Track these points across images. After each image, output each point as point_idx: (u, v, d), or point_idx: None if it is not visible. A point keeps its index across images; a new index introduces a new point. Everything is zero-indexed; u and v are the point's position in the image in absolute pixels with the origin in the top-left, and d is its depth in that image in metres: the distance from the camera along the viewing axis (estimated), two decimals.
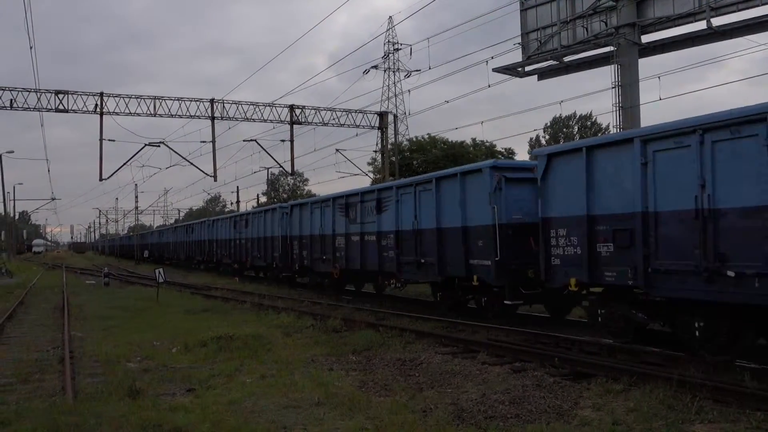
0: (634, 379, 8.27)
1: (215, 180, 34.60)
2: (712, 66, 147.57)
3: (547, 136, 67.67)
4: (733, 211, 8.58)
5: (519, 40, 25.61)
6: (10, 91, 28.69)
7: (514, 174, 13.55)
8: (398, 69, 60.36)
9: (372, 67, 54.41)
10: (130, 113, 30.63)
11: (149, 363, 10.82)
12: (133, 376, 9.37)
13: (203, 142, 33.99)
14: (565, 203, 11.18)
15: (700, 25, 20.93)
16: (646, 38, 22.67)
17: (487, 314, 14.06)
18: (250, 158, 79.38)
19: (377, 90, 68.53)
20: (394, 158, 37.44)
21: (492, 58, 26.07)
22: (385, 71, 60.98)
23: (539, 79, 27.13)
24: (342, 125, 34.74)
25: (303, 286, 25.80)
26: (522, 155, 55.78)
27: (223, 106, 32.36)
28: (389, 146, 36.75)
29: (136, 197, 74.94)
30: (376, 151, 42.20)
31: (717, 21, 20.48)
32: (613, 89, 22.41)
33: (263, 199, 67.95)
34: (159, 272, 23.40)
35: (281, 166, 37.62)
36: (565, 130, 67.64)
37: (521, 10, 25.62)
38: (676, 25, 21.72)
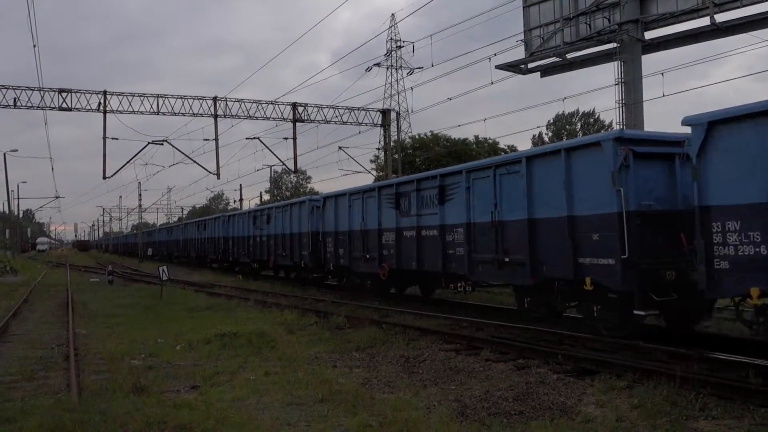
0: (638, 376, 8.26)
1: (218, 178, 34.68)
2: (715, 62, 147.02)
3: (550, 133, 67.57)
4: None
5: (522, 37, 25.57)
6: (14, 89, 28.75)
7: (644, 148, 10.69)
8: (401, 66, 60.46)
9: (374, 64, 54.52)
10: (134, 111, 30.68)
11: (153, 360, 10.85)
12: (138, 374, 9.40)
13: (206, 140, 34.05)
14: (737, 187, 8.65)
15: (704, 21, 20.87)
16: (649, 35, 22.61)
17: (601, 327, 11.10)
18: (253, 156, 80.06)
19: (380, 87, 68.59)
20: (396, 156, 37.43)
21: (495, 55, 25.92)
22: (387, 69, 61.08)
23: (542, 76, 27.07)
24: (345, 123, 34.74)
25: (333, 288, 23.71)
26: None
27: (226, 104, 32.40)
28: (392, 144, 36.73)
29: (140, 195, 75.00)
30: (378, 149, 42.26)
31: (720, 17, 20.42)
32: (617, 86, 22.38)
33: (266, 197, 68.04)
34: (163, 270, 23.45)
35: (284, 164, 37.72)
36: (568, 127, 67.53)
37: (524, 7, 25.56)
38: (679, 22, 21.65)
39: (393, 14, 76.44)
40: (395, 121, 37.24)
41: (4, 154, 58.31)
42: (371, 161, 52.64)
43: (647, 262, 10.28)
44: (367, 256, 18.84)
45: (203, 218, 48.05)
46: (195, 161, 34.99)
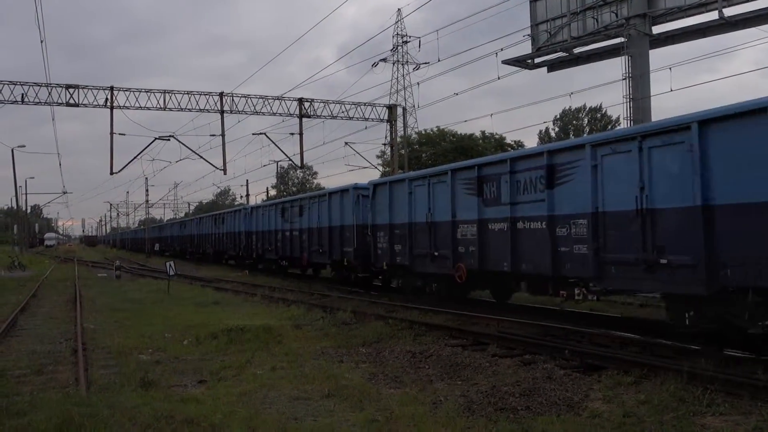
0: (645, 372, 8.24)
1: (225, 173, 34.71)
2: (723, 56, 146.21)
3: (557, 129, 67.36)
4: None
5: (528, 31, 25.48)
6: (22, 85, 28.84)
7: None
8: (407, 62, 60.38)
9: (381, 59, 54.26)
10: (140, 107, 30.72)
11: (161, 355, 10.91)
12: (145, 368, 9.45)
13: (213, 135, 34.09)
14: None
15: (712, 16, 20.75)
16: (657, 29, 22.49)
17: None
18: (259, 151, 79.68)
19: (386, 83, 68.41)
20: (403, 151, 37.39)
21: (501, 50, 25.83)
22: (393, 64, 61.00)
23: (549, 71, 26.99)
24: (351, 118, 34.70)
25: (386, 291, 20.39)
26: None
27: (233, 100, 32.40)
28: (398, 139, 36.70)
29: (147, 191, 75.24)
30: (385, 144, 42.17)
31: (729, 11, 20.29)
32: (624, 81, 22.27)
33: (273, 192, 68.10)
34: (170, 265, 23.55)
35: (290, 159, 37.68)
36: (574, 122, 67.28)
37: (531, 2, 25.47)
38: (687, 16, 21.53)
39: (399, 9, 76.32)
40: (401, 117, 37.18)
41: (12, 150, 58.52)
42: (377, 157, 52.68)
43: None
44: (436, 253, 15.77)
45: (221, 211, 44.25)
46: (202, 157, 35.02)
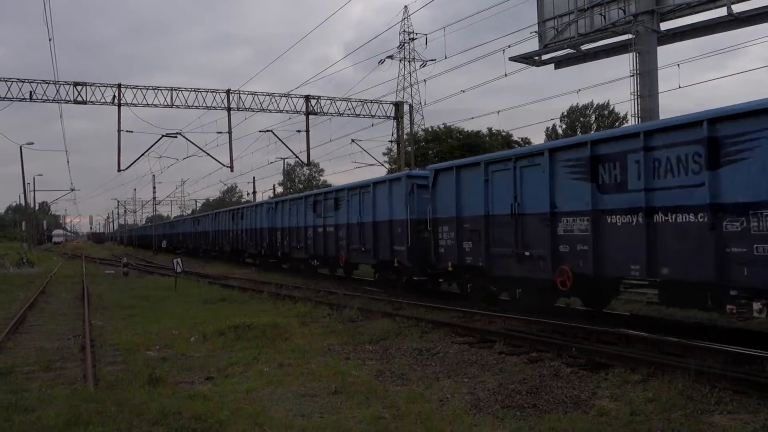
0: (653, 370, 8.21)
1: (232, 170, 34.80)
2: (732, 53, 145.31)
3: (564, 126, 67.13)
4: None
5: (536, 28, 25.41)
6: (30, 83, 28.99)
7: None
8: (414, 59, 60.32)
9: (387, 57, 54.15)
10: (148, 104, 30.83)
11: (168, 352, 10.94)
12: (153, 365, 9.48)
13: (219, 132, 34.19)
14: None
15: (721, 12, 20.64)
16: (664, 26, 22.41)
17: None
18: (266, 149, 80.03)
19: (393, 80, 68.46)
20: (409, 148, 37.36)
21: (509, 46, 25.77)
22: (400, 61, 60.94)
23: (556, 67, 26.92)
24: (357, 115, 34.71)
25: (433, 296, 17.81)
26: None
27: (239, 97, 32.47)
28: (405, 136, 36.66)
29: (154, 188, 75.67)
30: (391, 141, 42.18)
31: (738, 7, 20.18)
32: (632, 77, 22.18)
33: (279, 190, 68.21)
34: (177, 262, 23.63)
35: (297, 157, 37.73)
36: (582, 119, 67.04)
37: None
38: (695, 12, 21.43)
39: (406, 6, 76.13)
40: (408, 114, 37.21)
41: (21, 147, 58.88)
42: (384, 154, 52.69)
43: None
44: (526, 253, 12.97)
45: (240, 206, 42.07)
46: (208, 154, 35.14)
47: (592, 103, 66.55)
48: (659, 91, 22.15)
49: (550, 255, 12.26)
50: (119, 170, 32.12)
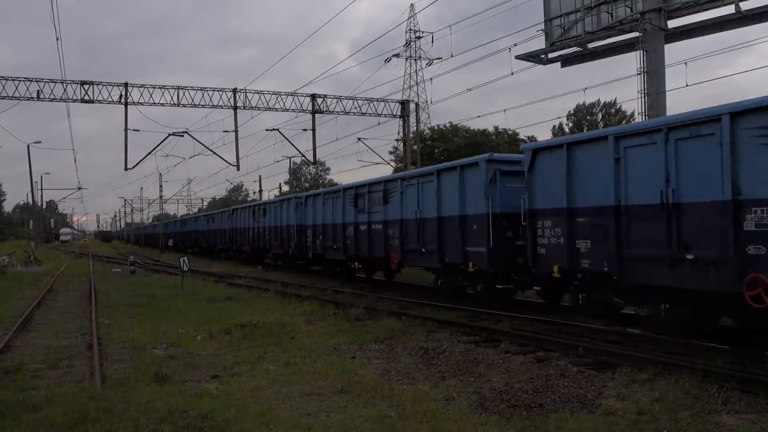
0: (659, 369, 8.19)
1: (238, 169, 34.86)
2: (740, 51, 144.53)
3: (570, 124, 66.96)
4: None
5: (542, 26, 25.32)
6: (37, 82, 29.10)
7: None
8: (420, 57, 60.23)
9: (394, 55, 54.28)
10: (154, 103, 30.92)
11: (175, 350, 10.98)
12: (159, 363, 9.52)
13: (226, 131, 34.28)
14: None
15: (729, 9, 20.52)
16: (672, 23, 22.28)
17: None
18: (272, 147, 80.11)
19: (399, 79, 68.32)
20: (415, 147, 37.35)
21: (515, 45, 25.70)
22: (406, 59, 60.86)
23: (563, 66, 26.81)
24: (363, 114, 34.71)
25: (521, 309, 14.26)
26: None
27: (246, 96, 32.52)
28: (411, 135, 36.65)
29: (161, 186, 75.87)
30: (397, 140, 42.17)
31: (746, 5, 20.06)
32: (639, 76, 22.08)
33: (285, 188, 68.30)
34: (183, 261, 23.71)
35: (303, 156, 37.82)
36: (588, 117, 66.86)
37: None
38: (703, 10, 21.31)
39: (412, 5, 76.01)
40: (414, 113, 37.14)
41: (28, 146, 59.13)
42: (390, 152, 52.66)
43: None
44: (688, 256, 9.64)
45: (262, 201, 38.77)
46: (215, 153, 35.26)
47: (599, 101, 66.40)
48: (666, 89, 22.05)
49: (732, 259, 8.84)
50: (126, 169, 32.30)
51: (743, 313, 9.22)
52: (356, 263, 22.26)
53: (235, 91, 32.26)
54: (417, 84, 60.60)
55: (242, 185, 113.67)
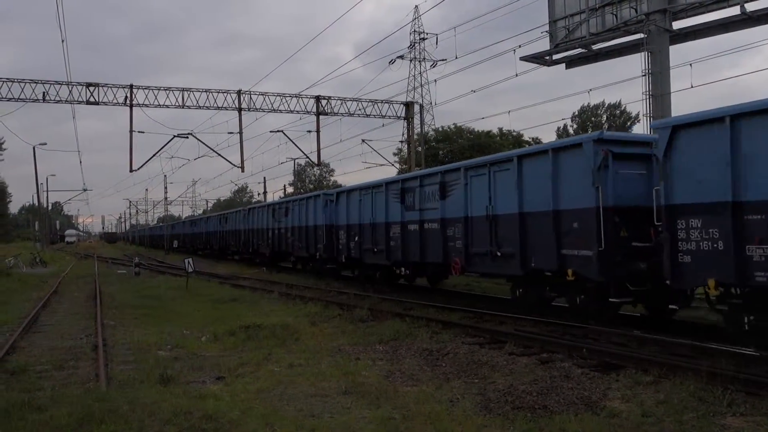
0: (664, 371, 8.17)
1: (242, 171, 34.95)
2: (746, 52, 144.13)
3: (575, 125, 66.91)
4: None
5: (546, 28, 25.30)
6: (43, 84, 29.23)
7: None
8: (424, 59, 60.10)
9: (398, 57, 54.19)
10: (159, 105, 31.01)
11: (179, 351, 11.00)
12: (164, 364, 9.54)
13: (230, 133, 34.42)
14: None
15: (734, 11, 20.47)
16: (677, 25, 22.23)
17: None
18: (276, 149, 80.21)
19: (403, 80, 68.38)
20: (420, 148, 37.35)
21: (519, 46, 25.66)
22: (411, 61, 60.75)
23: (567, 67, 26.77)
24: (368, 116, 34.74)
25: None
26: None
27: (250, 97, 32.59)
28: (415, 136, 36.65)
29: (165, 188, 76.08)
30: (402, 142, 42.15)
31: (751, 6, 20.00)
32: (644, 77, 22.04)
33: (290, 190, 68.37)
34: (188, 262, 23.76)
35: (308, 157, 37.81)
36: (593, 119, 66.79)
37: None
38: (708, 11, 21.26)
39: (416, 6, 76.09)
40: (418, 114, 37.20)
41: (34, 148, 59.42)
42: (394, 154, 52.68)
43: None
44: None
45: (285, 199, 35.65)
46: (219, 154, 35.32)
47: (603, 102, 66.42)
48: (671, 90, 22.01)
49: None
50: (131, 170, 32.44)
51: None
52: (402, 269, 18.97)
53: (239, 92, 32.33)
54: (421, 85, 60.57)
55: (247, 187, 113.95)
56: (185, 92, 31.44)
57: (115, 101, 30.32)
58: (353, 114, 34.39)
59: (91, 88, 29.86)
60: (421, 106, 41.64)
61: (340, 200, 22.91)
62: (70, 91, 29.50)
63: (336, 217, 23.09)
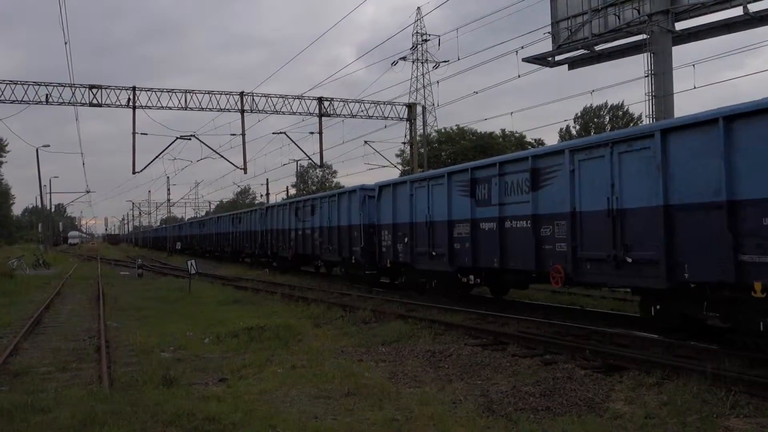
0: (667, 373, 8.15)
1: (245, 172, 34.93)
2: (749, 52, 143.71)
3: (578, 126, 66.82)
4: None
5: (549, 29, 25.30)
6: (46, 86, 29.27)
7: None
8: (427, 60, 60.21)
9: (400, 58, 54.34)
10: (162, 107, 31.03)
11: (182, 353, 11.01)
12: (167, 366, 9.54)
13: (233, 134, 34.40)
14: None
15: (737, 11, 20.45)
16: (679, 25, 22.23)
17: None
18: (279, 150, 79.97)
19: (406, 81, 68.38)
20: (422, 150, 37.35)
21: (522, 47, 25.71)
22: (413, 62, 60.86)
23: (570, 68, 26.80)
24: (370, 117, 34.72)
25: None
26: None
27: (253, 99, 32.59)
28: (418, 138, 36.65)
29: (168, 190, 76.11)
30: (404, 143, 42.16)
31: (754, 6, 19.98)
32: (646, 78, 22.03)
33: (293, 191, 68.37)
34: (191, 264, 23.79)
35: (310, 158, 37.80)
36: (596, 120, 66.70)
37: None
38: (710, 12, 21.24)
39: (419, 7, 76.16)
40: (421, 115, 37.15)
41: (37, 150, 59.37)
42: (397, 155, 52.70)
43: None
44: None
45: (308, 197, 31.17)
46: (222, 156, 35.30)
47: (606, 103, 66.27)
48: (674, 91, 21.98)
49: None
50: (134, 172, 32.38)
51: None
52: (470, 277, 15.57)
53: (242, 94, 32.35)
54: (424, 87, 60.62)
55: (249, 188, 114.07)
56: (188, 94, 31.47)
57: (118, 103, 30.33)
58: (356, 115, 34.38)
59: (94, 90, 29.89)
60: (424, 108, 41.59)
61: (383, 195, 19.68)
62: (73, 93, 29.54)
63: (378, 215, 19.93)
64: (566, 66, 26.79)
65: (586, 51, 25.09)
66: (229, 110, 32.33)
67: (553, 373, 8.78)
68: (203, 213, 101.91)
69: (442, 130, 55.19)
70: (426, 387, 8.32)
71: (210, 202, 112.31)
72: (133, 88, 30.53)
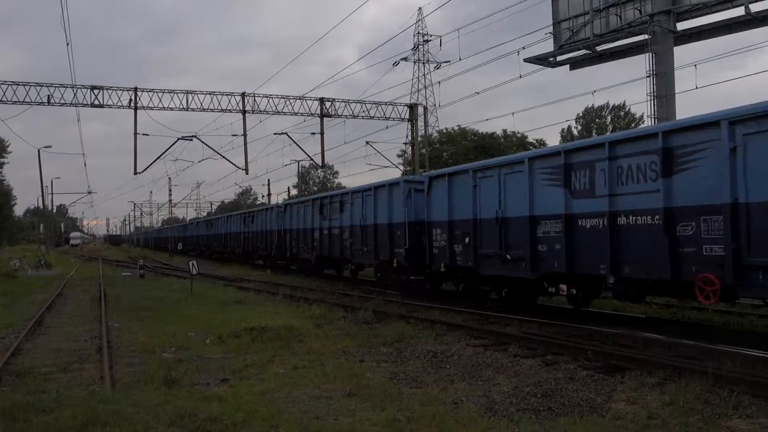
0: (669, 373, 8.13)
1: (247, 173, 34.87)
2: (751, 52, 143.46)
3: (579, 127, 66.79)
4: None
5: (550, 29, 25.29)
6: (48, 87, 29.31)
7: None
8: (428, 60, 60.18)
9: (402, 59, 54.23)
10: (164, 108, 31.06)
11: (184, 353, 11.00)
12: (169, 366, 9.53)
13: (235, 135, 34.36)
14: None
15: (738, 11, 20.42)
16: (681, 26, 22.21)
17: None
18: (281, 151, 79.85)
19: (407, 82, 68.40)
20: (424, 150, 37.34)
21: (523, 48, 25.74)
22: (414, 63, 60.83)
23: (571, 68, 26.78)
24: (372, 118, 34.73)
25: None
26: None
27: (254, 100, 32.62)
28: (419, 138, 36.65)
29: (170, 190, 76.41)
30: (406, 144, 42.21)
31: (756, 6, 19.96)
32: (648, 78, 22.01)
33: (294, 192, 68.40)
34: (192, 264, 23.79)
35: (312, 159, 37.80)
36: (597, 120, 66.67)
37: None
38: (712, 12, 21.22)
39: (420, 8, 76.24)
40: (422, 116, 37.16)
41: (39, 150, 59.39)
42: (398, 156, 52.73)
43: None
44: None
45: (335, 192, 27.63)
46: (224, 156, 35.30)
47: (607, 104, 66.25)
48: (676, 91, 21.96)
49: None
50: (135, 173, 32.45)
51: None
52: (561, 285, 13.00)
53: (243, 95, 32.37)
54: (425, 87, 60.58)
55: (251, 189, 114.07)
56: (189, 95, 31.50)
57: (119, 104, 30.37)
58: (357, 116, 34.39)
59: (96, 91, 29.93)
60: (425, 108, 41.58)
61: (434, 188, 16.74)
62: (74, 94, 29.58)
63: (428, 210, 17.06)
64: (568, 66, 26.78)
65: (587, 51, 25.08)
66: (230, 111, 32.36)
67: (555, 373, 8.77)
68: (204, 214, 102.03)
69: (444, 131, 55.27)
70: (428, 387, 8.31)
71: (211, 203, 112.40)
72: (135, 89, 30.56)
